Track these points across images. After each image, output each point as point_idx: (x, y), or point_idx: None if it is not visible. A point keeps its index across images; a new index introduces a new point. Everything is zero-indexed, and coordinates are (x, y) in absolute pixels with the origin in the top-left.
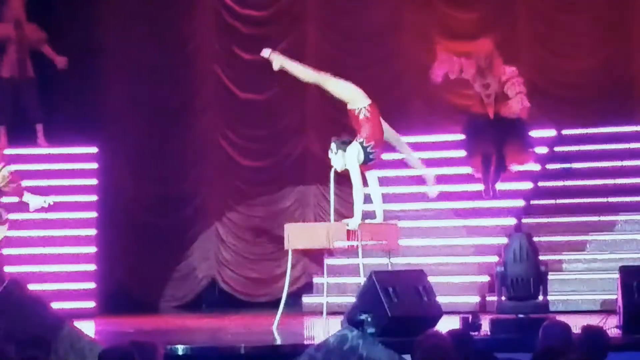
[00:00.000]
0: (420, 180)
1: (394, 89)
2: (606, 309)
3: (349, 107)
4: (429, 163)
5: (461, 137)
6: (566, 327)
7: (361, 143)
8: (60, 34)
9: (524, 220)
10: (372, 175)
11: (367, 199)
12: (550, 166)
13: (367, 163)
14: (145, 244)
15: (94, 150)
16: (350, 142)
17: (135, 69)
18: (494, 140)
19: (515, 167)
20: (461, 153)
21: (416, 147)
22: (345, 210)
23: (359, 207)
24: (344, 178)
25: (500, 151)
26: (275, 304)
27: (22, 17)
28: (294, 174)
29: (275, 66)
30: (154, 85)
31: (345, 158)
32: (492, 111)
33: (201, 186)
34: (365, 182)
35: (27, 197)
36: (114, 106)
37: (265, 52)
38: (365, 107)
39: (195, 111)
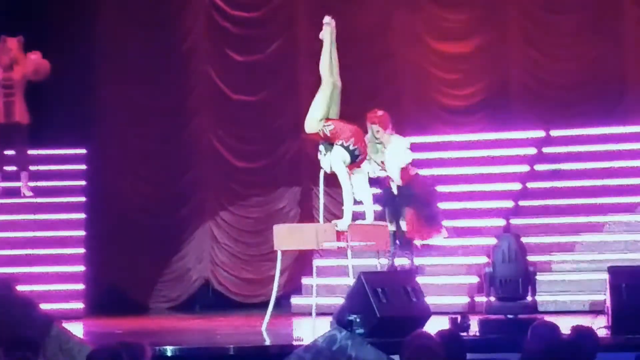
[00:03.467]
0: None
1: (384, 90)
2: (595, 310)
3: (310, 131)
4: (419, 164)
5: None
6: (555, 328)
7: (342, 145)
8: (52, 35)
9: (513, 221)
10: (362, 175)
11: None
12: (539, 167)
13: (356, 160)
14: (138, 245)
15: (82, 151)
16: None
17: (127, 71)
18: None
19: (419, 242)
20: (452, 154)
21: None
22: (338, 211)
23: (348, 208)
24: (335, 179)
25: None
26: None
27: (20, 60)
28: (288, 175)
29: (321, 35)
30: (146, 86)
31: (331, 162)
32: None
33: (195, 187)
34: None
35: None
36: (104, 108)
37: (326, 18)
38: (324, 127)
39: (188, 112)
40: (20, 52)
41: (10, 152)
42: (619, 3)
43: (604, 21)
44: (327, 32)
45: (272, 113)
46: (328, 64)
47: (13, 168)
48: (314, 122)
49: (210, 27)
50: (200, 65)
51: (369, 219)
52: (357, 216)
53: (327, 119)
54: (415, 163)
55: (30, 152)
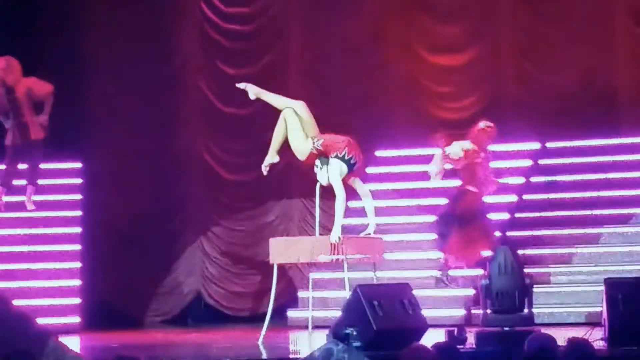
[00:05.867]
0: (405, 193)
1: (377, 102)
2: (591, 322)
3: (304, 157)
4: (413, 176)
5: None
6: (551, 340)
7: (336, 156)
8: (45, 49)
9: (509, 233)
10: (361, 185)
11: (362, 212)
12: (535, 179)
13: (353, 169)
14: (131, 258)
15: (78, 165)
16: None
17: (120, 84)
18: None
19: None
20: (446, 166)
21: (400, 160)
22: (330, 224)
23: (339, 220)
24: (329, 192)
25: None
26: (260, 318)
27: (17, 79)
28: (277, 188)
29: (252, 96)
30: (139, 100)
31: (328, 175)
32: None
33: (186, 200)
34: (357, 196)
35: None
36: (98, 121)
37: (241, 85)
38: (314, 144)
39: (179, 125)
40: (16, 72)
41: (23, 166)
42: (611, 14)
43: (596, 32)
44: (252, 90)
45: (263, 126)
46: (279, 102)
47: (21, 182)
48: (301, 147)
49: (203, 40)
50: (192, 78)
51: (372, 226)
52: (358, 229)
53: (312, 137)
54: (410, 176)
55: (24, 165)
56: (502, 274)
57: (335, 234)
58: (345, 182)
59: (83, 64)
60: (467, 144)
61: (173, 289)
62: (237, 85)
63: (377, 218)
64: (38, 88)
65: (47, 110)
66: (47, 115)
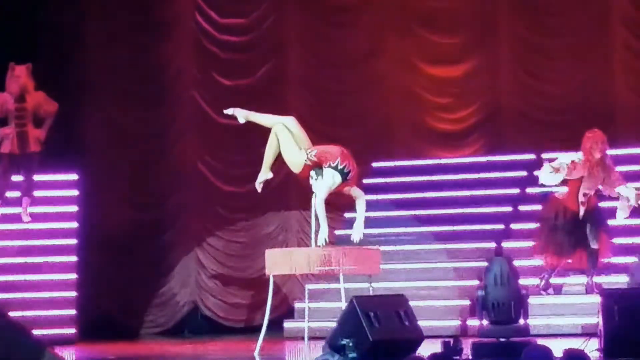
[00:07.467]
0: (402, 205)
1: (375, 115)
2: (587, 333)
3: (298, 169)
4: (411, 186)
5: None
6: (547, 351)
7: (330, 166)
8: (41, 60)
9: (504, 244)
10: (357, 190)
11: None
12: (530, 190)
13: (347, 179)
14: (127, 270)
15: (74, 177)
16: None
17: (115, 96)
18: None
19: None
20: (443, 177)
21: (398, 171)
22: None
23: (324, 224)
24: (326, 204)
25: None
26: (257, 329)
27: (29, 87)
28: (276, 199)
29: (241, 120)
30: (134, 111)
31: (322, 183)
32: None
33: (181, 211)
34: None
35: None
36: (94, 133)
37: (229, 110)
38: (307, 156)
39: (174, 136)
40: (29, 79)
41: (17, 178)
42: (608, 27)
43: (593, 44)
44: (241, 114)
45: (259, 137)
46: (269, 121)
47: (15, 194)
48: (295, 159)
49: (197, 51)
50: (187, 89)
51: (359, 227)
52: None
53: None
54: (406, 186)
55: (21, 177)
56: (498, 285)
57: (322, 236)
58: (341, 191)
59: (78, 76)
60: (575, 156)
61: (168, 301)
62: (225, 111)
63: (376, 229)
64: (46, 104)
65: (47, 127)
66: (45, 132)
